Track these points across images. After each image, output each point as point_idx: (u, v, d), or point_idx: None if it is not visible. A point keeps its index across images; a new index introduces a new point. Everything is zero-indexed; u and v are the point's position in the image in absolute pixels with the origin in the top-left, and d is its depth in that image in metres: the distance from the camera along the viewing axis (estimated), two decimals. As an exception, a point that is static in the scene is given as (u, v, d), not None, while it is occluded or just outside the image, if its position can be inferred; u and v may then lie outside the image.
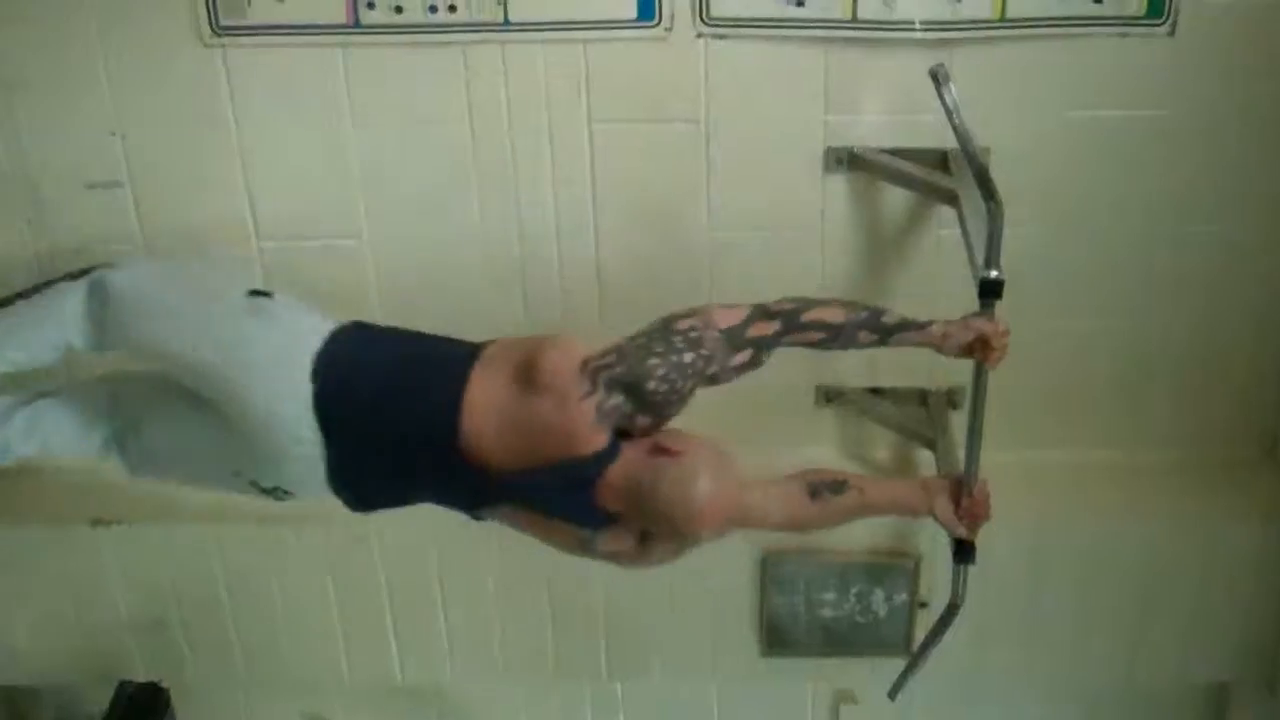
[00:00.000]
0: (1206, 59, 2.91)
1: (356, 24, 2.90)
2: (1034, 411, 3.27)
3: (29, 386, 2.82)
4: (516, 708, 3.90)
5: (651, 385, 2.33)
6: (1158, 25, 2.87)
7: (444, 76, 2.97)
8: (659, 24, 2.90)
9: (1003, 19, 2.86)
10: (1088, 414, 3.35)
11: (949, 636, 2.84)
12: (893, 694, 3.01)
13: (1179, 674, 3.56)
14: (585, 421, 2.34)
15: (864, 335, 2.46)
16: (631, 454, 2.39)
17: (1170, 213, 3.09)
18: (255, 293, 2.55)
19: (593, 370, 2.34)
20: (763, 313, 2.41)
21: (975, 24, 2.87)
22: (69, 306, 2.66)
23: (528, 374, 2.36)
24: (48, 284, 2.77)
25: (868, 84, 2.98)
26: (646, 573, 3.22)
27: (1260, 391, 3.34)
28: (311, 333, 2.49)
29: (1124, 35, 2.88)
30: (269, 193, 3.10)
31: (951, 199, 2.81)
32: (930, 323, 2.48)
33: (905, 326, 2.48)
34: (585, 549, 2.52)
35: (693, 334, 2.36)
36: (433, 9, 2.88)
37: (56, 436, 2.79)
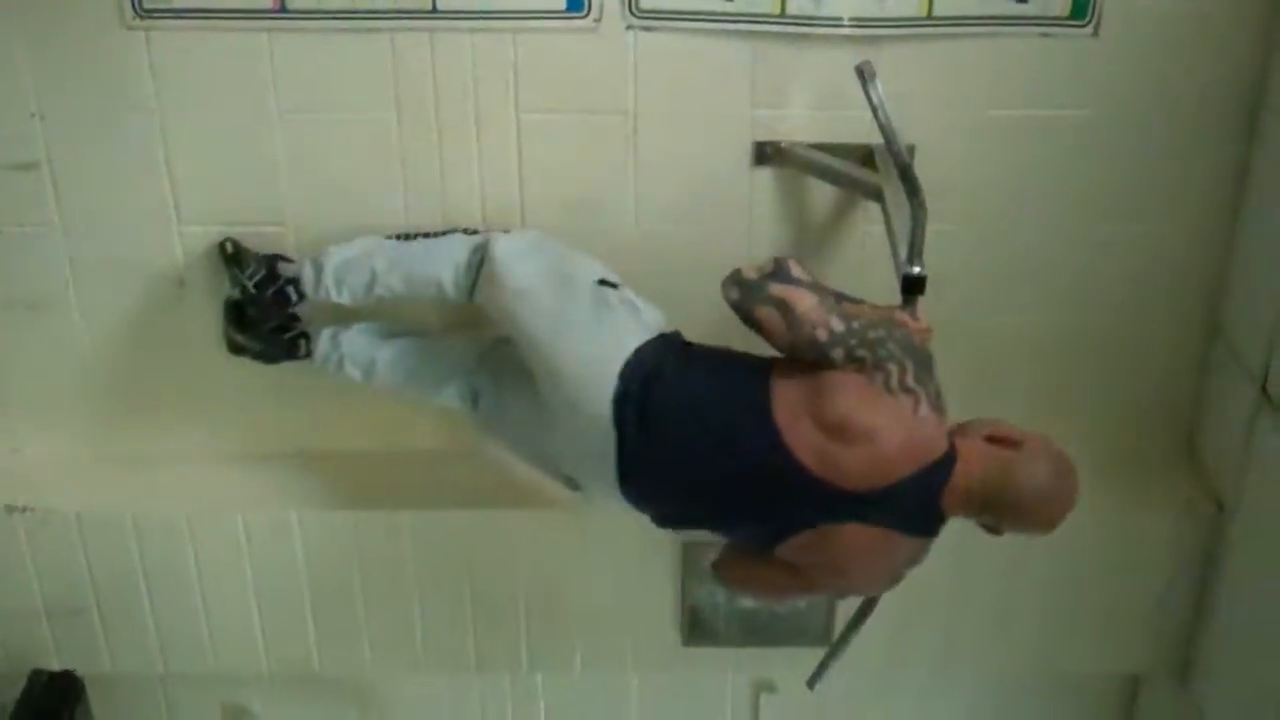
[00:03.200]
0: (1130, 60, 2.95)
1: (283, 9, 2.87)
2: (954, 406, 3.28)
3: (402, 322, 3.10)
4: (437, 699, 3.88)
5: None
6: (1082, 26, 2.90)
7: (371, 64, 2.94)
8: (588, 15, 2.89)
9: (929, 17, 2.89)
10: (1008, 408, 3.33)
11: (868, 626, 2.86)
12: (811, 683, 3.02)
13: (1094, 665, 3.61)
14: (932, 426, 2.39)
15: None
16: (970, 452, 2.40)
17: (1092, 211, 3.13)
18: (603, 283, 2.66)
19: (897, 385, 2.37)
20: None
21: (902, 21, 2.89)
22: (455, 255, 2.85)
23: (838, 432, 2.38)
24: (448, 232, 2.96)
25: (796, 79, 2.99)
26: (566, 562, 3.26)
27: (1177, 388, 3.39)
28: (639, 330, 2.59)
29: (1048, 35, 2.92)
30: (192, 178, 3.06)
31: (876, 195, 2.83)
32: (855, 318, 2.51)
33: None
34: (915, 563, 2.55)
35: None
36: (361, -6, 2.87)
37: (417, 377, 3.03)
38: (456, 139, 3.03)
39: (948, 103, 3.00)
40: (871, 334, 2.39)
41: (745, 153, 3.06)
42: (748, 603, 3.44)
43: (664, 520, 2.71)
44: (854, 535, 2.42)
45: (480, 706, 3.89)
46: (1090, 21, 2.89)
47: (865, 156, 2.99)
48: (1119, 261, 3.19)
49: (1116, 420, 3.41)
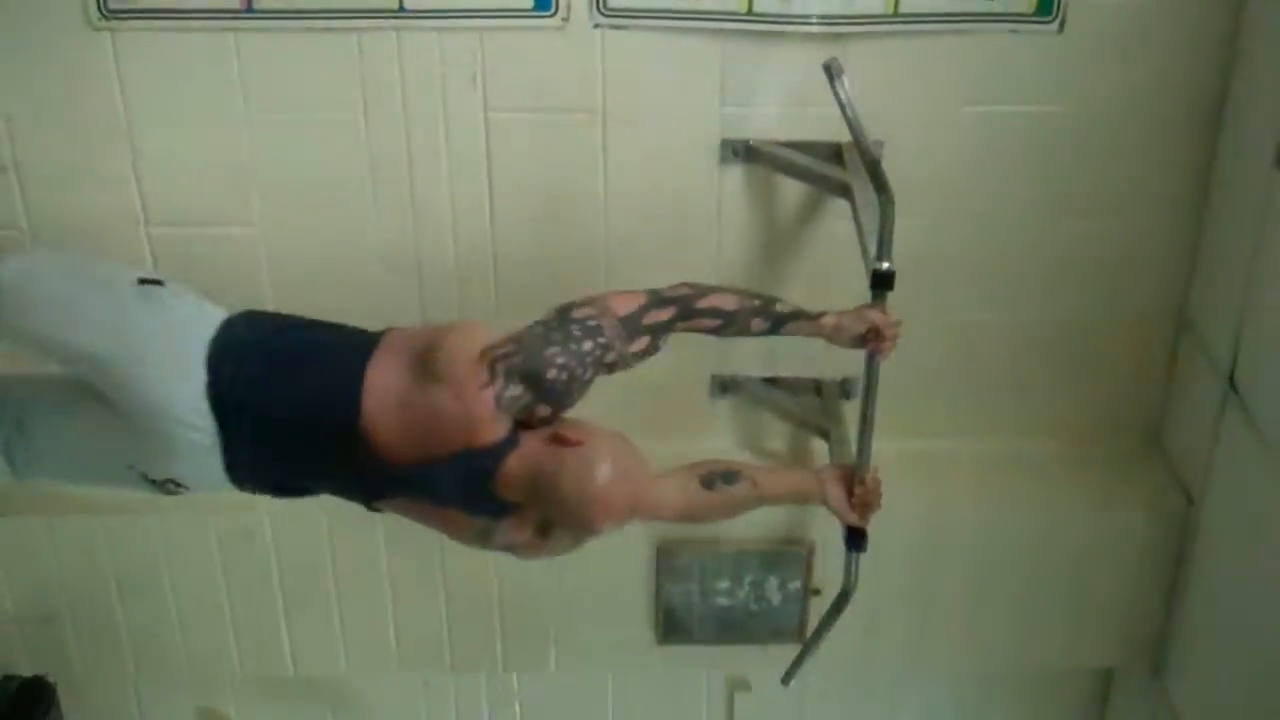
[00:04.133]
0: (1095, 56, 2.96)
1: (250, 9, 2.86)
2: (925, 402, 3.31)
3: None
4: (413, 699, 3.88)
5: (551, 374, 2.32)
6: (1047, 22, 2.92)
7: (338, 63, 2.94)
8: (556, 14, 2.89)
9: (896, 14, 2.89)
10: (978, 405, 3.40)
11: (841, 623, 2.87)
12: (786, 680, 3.04)
13: (1066, 660, 3.63)
14: (485, 411, 2.32)
15: (757, 323, 2.49)
16: (531, 443, 2.37)
17: (1059, 207, 3.14)
18: (145, 281, 2.49)
19: (492, 360, 2.32)
20: (658, 299, 2.43)
21: (869, 19, 2.89)
22: None
23: (427, 363, 2.35)
24: None
25: (764, 77, 2.99)
26: (542, 563, 3.24)
27: (1146, 384, 3.41)
28: (205, 320, 2.46)
29: (1014, 32, 2.93)
30: (159, 179, 3.05)
31: (845, 191, 2.83)
32: (823, 313, 2.52)
33: (797, 316, 2.51)
34: (483, 540, 2.51)
35: (590, 322, 2.36)
36: (327, -6, 2.86)
37: None
38: (425, 138, 3.02)
39: (915, 99, 3.01)
40: (560, 326, 2.38)
41: (714, 150, 3.06)
42: (722, 601, 3.45)
43: (279, 491, 2.63)
44: (412, 507, 2.48)
45: (456, 706, 3.89)
46: (1055, 18, 2.90)
47: (834, 154, 2.99)
48: (1086, 256, 3.20)
49: (1085, 414, 3.43)
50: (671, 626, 3.50)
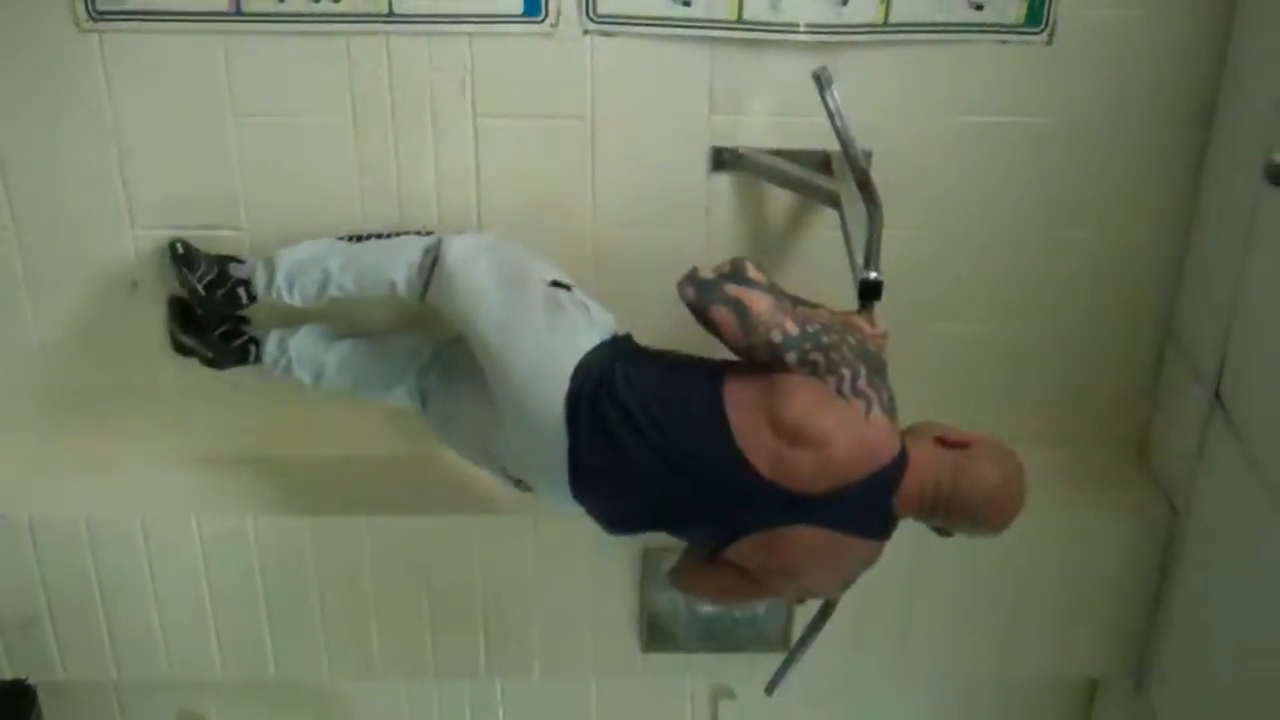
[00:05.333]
0: (1084, 67, 2.97)
1: (238, 11, 2.86)
2: (911, 410, 3.30)
3: (349, 324, 3.12)
4: (395, 705, 3.87)
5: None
6: (1036, 34, 2.92)
7: (327, 67, 2.93)
8: (545, 19, 2.89)
9: (886, 24, 2.90)
10: (963, 414, 3.36)
11: (826, 632, 2.88)
12: (770, 689, 3.03)
13: (1050, 670, 3.63)
14: (884, 429, 2.38)
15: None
16: (922, 455, 2.41)
17: (1047, 218, 3.15)
18: (556, 284, 2.67)
19: (849, 389, 2.37)
20: (751, 283, 2.51)
21: (859, 28, 2.90)
22: (407, 256, 2.85)
23: (792, 436, 2.37)
24: (401, 233, 2.98)
25: (753, 85, 2.99)
26: (527, 570, 3.25)
27: (1131, 395, 3.41)
28: (590, 331, 2.58)
29: (1004, 43, 2.93)
30: (145, 181, 3.04)
31: (833, 201, 2.83)
32: (812, 323, 2.52)
33: None
34: (869, 564, 2.55)
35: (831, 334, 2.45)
36: (316, -2, 2.86)
37: (366, 379, 3.03)
38: (413, 143, 3.02)
39: (905, 109, 3.01)
40: (825, 338, 2.39)
41: (703, 158, 3.06)
42: (707, 609, 3.44)
43: (614, 522, 2.70)
44: (804, 537, 2.43)
45: (439, 713, 3.88)
46: (1045, 29, 2.91)
47: (822, 162, 2.99)
48: (1073, 267, 3.21)
49: (1070, 424, 3.43)
50: (656, 634, 3.49)
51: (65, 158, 3.01)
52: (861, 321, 2.52)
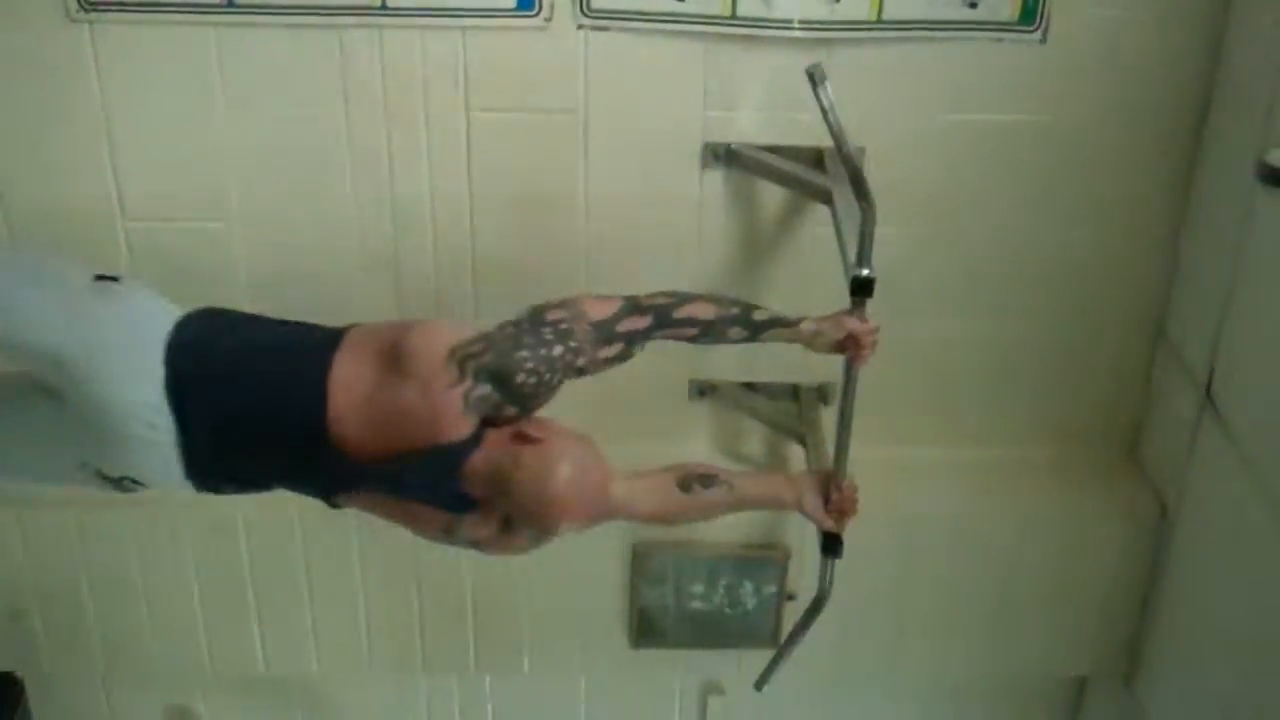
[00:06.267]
0: (1077, 66, 2.97)
1: (230, 3, 2.85)
2: (903, 408, 3.32)
3: None
4: (385, 700, 3.86)
5: (520, 378, 2.31)
6: (1030, 32, 2.92)
7: (319, 60, 2.92)
8: (539, 14, 2.88)
9: (879, 21, 2.89)
10: (955, 412, 3.41)
11: (816, 628, 2.87)
12: (759, 685, 3.03)
13: (1040, 668, 3.64)
14: (452, 409, 2.30)
15: (735, 331, 2.48)
16: (494, 440, 2.35)
17: (1040, 216, 3.15)
18: (101, 277, 2.45)
19: (460, 358, 2.30)
20: (634, 306, 2.41)
21: (853, 25, 2.89)
22: None
23: (394, 360, 2.33)
24: None
25: (746, 81, 2.99)
26: (517, 565, 3.23)
27: (1123, 394, 3.41)
28: (163, 316, 2.42)
29: (998, 41, 2.93)
30: (136, 173, 3.03)
31: (826, 197, 2.83)
32: (801, 320, 2.51)
33: (776, 323, 2.51)
34: (448, 535, 2.48)
35: (563, 326, 2.35)
36: (309, -10, 2.84)
37: None
38: (406, 137, 3.01)
39: (898, 106, 3.01)
40: (531, 328, 2.37)
41: (695, 154, 3.05)
42: (697, 604, 3.44)
43: (239, 487, 2.59)
44: (375, 503, 2.46)
45: (428, 707, 3.88)
46: (1038, 28, 2.91)
47: (815, 159, 2.99)
48: (1065, 266, 3.21)
49: (1062, 423, 3.44)
50: (646, 630, 3.49)
51: (56, 150, 3.00)
52: (853, 320, 2.51)
